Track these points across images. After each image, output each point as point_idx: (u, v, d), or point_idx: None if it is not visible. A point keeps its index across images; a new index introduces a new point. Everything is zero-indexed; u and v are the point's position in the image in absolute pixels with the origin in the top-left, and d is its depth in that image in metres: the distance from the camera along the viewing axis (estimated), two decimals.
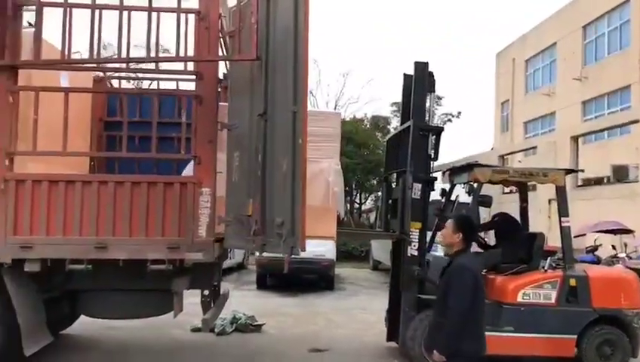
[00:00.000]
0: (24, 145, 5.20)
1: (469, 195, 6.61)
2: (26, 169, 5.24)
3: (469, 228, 3.87)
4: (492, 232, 7.24)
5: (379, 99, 42.64)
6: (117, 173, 6.31)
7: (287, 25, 4.42)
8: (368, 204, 26.02)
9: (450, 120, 28.94)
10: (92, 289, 5.49)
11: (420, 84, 6.44)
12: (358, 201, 23.27)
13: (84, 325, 6.91)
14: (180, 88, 6.33)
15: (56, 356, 5.18)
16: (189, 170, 6.19)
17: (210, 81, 5.23)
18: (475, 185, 6.50)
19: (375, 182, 21.93)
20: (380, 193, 21.76)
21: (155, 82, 7.07)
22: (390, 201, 7.19)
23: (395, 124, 26.29)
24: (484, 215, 9.76)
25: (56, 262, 5.00)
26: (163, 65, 5.58)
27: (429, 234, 6.64)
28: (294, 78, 4.30)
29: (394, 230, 6.69)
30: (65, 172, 5.54)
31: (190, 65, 5.30)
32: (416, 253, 6.23)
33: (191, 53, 5.11)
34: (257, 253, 10.52)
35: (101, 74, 6.81)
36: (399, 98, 7.03)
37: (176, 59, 4.86)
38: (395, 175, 7.14)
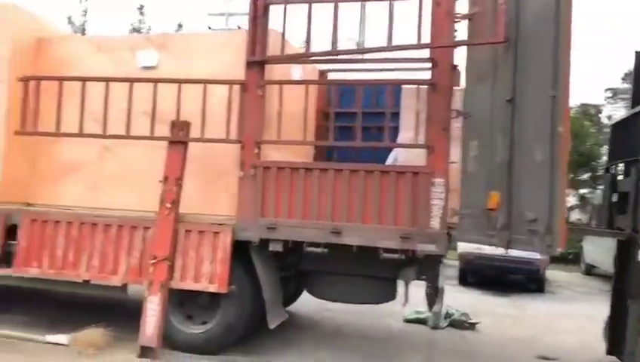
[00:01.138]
0: (266, 135, 5.64)
1: None
2: (267, 156, 5.68)
3: None
4: None
5: (589, 84, 38.18)
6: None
7: (544, 3, 4.03)
8: (571, 200, 23.58)
9: None
10: (322, 271, 5.74)
11: None
12: None
13: (302, 304, 7.37)
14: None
15: (276, 331, 5.53)
16: (394, 158, 6.16)
17: (445, 68, 5.06)
18: None
19: (586, 176, 19.69)
20: (591, 189, 19.54)
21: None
22: (615, 195, 6.24)
23: (607, 112, 23.46)
24: None
25: (296, 243, 5.33)
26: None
27: None
28: (554, 60, 3.90)
29: (621, 228, 5.80)
30: (294, 160, 5.91)
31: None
32: None
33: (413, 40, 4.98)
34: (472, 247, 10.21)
35: (325, 67, 7.14)
36: (614, 83, 6.08)
37: (417, 46, 4.78)
38: (620, 165, 6.18)
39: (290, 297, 7.03)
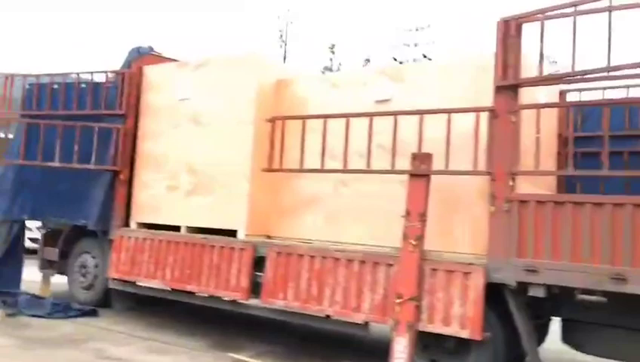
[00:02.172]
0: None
1: None
2: (516, 189, 5.12)
3: None
4: None
5: None
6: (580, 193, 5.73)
7: None
8: None
9: None
10: (594, 322, 4.94)
11: None
12: None
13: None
14: None
15: None
16: None
17: None
18: None
19: None
20: None
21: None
22: None
23: None
24: None
25: (564, 289, 4.66)
26: None
27: None
28: None
29: None
30: (536, 191, 5.27)
31: None
32: None
33: None
34: None
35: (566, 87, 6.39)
36: None
37: None
38: None
39: None
